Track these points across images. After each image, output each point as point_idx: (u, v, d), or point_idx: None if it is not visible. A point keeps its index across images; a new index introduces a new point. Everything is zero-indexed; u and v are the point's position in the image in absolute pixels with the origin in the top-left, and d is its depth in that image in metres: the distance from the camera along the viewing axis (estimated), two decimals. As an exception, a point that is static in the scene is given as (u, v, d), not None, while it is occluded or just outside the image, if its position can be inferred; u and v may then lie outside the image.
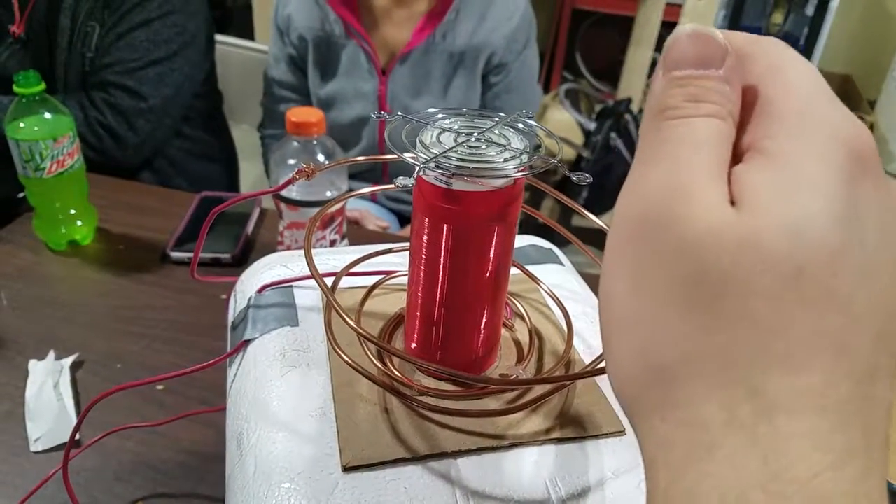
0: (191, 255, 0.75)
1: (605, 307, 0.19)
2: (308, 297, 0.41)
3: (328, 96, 1.11)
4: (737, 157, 0.18)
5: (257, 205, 0.85)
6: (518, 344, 0.37)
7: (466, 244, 0.31)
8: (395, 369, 0.34)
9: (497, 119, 0.31)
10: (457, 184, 0.29)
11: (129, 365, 0.61)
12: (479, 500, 0.28)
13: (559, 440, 0.31)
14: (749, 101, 0.19)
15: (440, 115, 0.32)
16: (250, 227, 0.81)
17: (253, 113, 1.20)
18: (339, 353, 0.32)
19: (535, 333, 0.38)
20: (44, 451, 0.52)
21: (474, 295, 0.32)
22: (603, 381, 0.35)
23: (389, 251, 0.43)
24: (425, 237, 0.31)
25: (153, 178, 1.12)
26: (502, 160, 0.29)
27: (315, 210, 0.63)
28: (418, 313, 0.34)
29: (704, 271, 0.16)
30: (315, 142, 0.69)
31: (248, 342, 0.38)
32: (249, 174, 1.43)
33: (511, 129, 0.31)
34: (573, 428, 0.32)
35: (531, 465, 0.30)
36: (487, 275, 0.32)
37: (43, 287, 0.71)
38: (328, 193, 0.71)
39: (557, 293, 0.40)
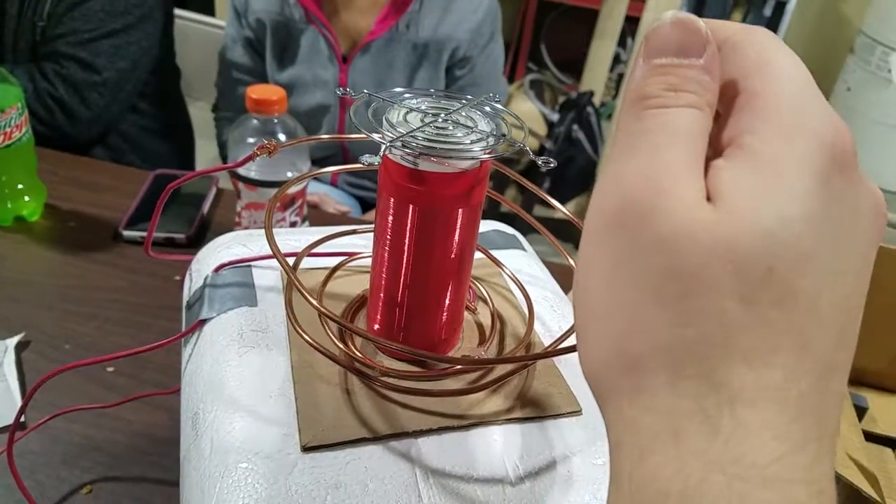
0: (144, 234, 0.72)
1: (579, 296, 0.19)
2: (267, 277, 0.40)
3: (286, 82, 1.08)
4: (717, 148, 0.18)
5: (214, 184, 0.83)
6: (480, 327, 0.38)
7: (432, 225, 0.31)
8: (357, 350, 0.34)
9: (465, 101, 0.31)
10: (423, 164, 0.29)
11: (78, 346, 0.59)
12: (438, 478, 0.29)
13: (518, 420, 0.32)
14: (734, 92, 0.19)
15: (407, 95, 0.31)
16: (206, 208, 0.79)
17: (211, 91, 1.16)
18: (300, 332, 0.32)
19: (497, 317, 0.38)
20: (-14, 434, 0.50)
21: (438, 276, 0.32)
22: (562, 363, 0.35)
23: (353, 232, 0.42)
24: (390, 217, 0.31)
25: (106, 155, 1.08)
26: (469, 142, 0.29)
27: (274, 191, 0.62)
28: (381, 294, 0.34)
29: (678, 268, 0.16)
30: (276, 120, 0.68)
31: (204, 322, 0.37)
32: (206, 153, 1.39)
33: (478, 112, 0.31)
34: (532, 408, 0.32)
35: (490, 445, 0.30)
36: (452, 256, 0.32)
37: (-14, 264, 0.68)
38: (288, 174, 0.69)
39: (520, 278, 0.41)
